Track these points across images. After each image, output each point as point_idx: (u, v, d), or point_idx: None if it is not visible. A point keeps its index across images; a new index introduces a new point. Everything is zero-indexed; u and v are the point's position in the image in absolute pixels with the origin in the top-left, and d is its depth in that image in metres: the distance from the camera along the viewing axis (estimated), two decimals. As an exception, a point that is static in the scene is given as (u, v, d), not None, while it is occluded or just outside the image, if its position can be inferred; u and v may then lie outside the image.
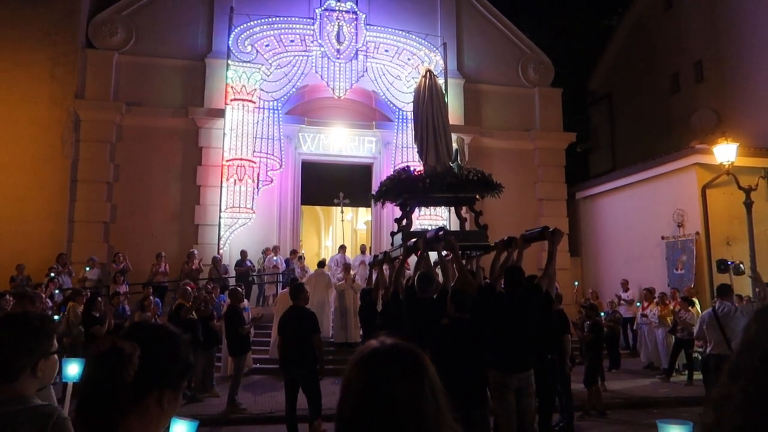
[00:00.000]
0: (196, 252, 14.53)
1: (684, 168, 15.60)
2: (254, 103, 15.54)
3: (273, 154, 15.67)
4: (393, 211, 13.71)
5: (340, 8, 16.29)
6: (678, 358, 12.32)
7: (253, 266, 15.07)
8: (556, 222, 15.03)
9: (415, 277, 6.07)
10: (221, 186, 15.24)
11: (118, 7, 16.04)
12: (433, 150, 8.25)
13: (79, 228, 14.80)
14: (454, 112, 17.21)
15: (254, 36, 15.80)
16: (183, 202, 15.58)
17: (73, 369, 4.44)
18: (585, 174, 22.97)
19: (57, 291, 11.73)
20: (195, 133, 15.87)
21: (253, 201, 15.33)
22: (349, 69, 16.17)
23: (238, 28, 15.70)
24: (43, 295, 10.13)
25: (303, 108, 17.26)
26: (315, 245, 23.36)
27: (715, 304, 7.89)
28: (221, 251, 15.03)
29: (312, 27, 16.11)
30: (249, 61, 15.63)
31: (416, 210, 12.19)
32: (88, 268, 13.62)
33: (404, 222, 8.29)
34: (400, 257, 7.44)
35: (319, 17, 16.13)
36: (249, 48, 15.73)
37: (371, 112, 17.61)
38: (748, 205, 12.87)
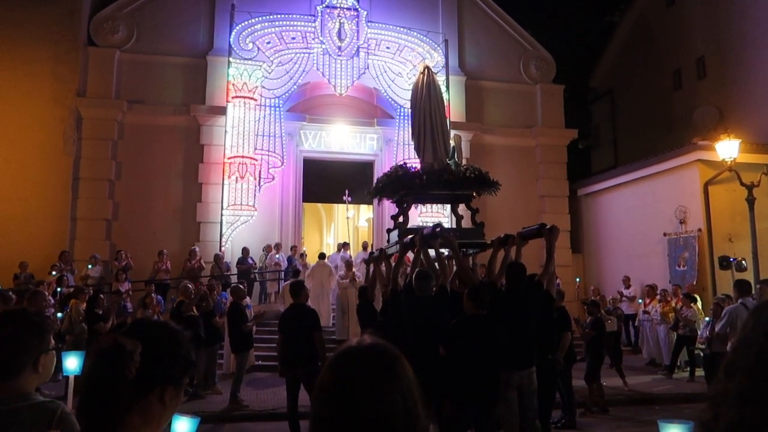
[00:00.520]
0: (197, 249, 14.55)
1: (686, 165, 15.57)
2: (256, 100, 15.54)
3: (274, 152, 15.68)
4: (394, 208, 13.72)
5: (342, 5, 16.27)
6: (680, 354, 12.33)
7: (255, 264, 15.09)
8: (557, 219, 15.04)
9: (413, 275, 6.05)
10: (223, 183, 15.24)
11: (120, 4, 16.04)
12: (430, 147, 8.22)
13: (81, 226, 14.83)
14: (456, 109, 17.22)
15: (256, 33, 15.79)
16: (185, 199, 15.61)
17: (72, 362, 4.46)
18: (587, 171, 22.96)
19: (60, 289, 11.75)
20: (197, 130, 15.88)
21: (254, 198, 15.35)
22: (351, 66, 16.16)
23: (240, 26, 15.69)
24: (46, 293, 10.15)
25: (304, 105, 17.26)
26: (316, 242, 23.37)
27: (745, 300, 7.79)
28: (223, 249, 15.05)
29: (313, 24, 16.09)
30: (250, 59, 15.62)
31: (417, 207, 12.18)
32: (90, 266, 13.64)
33: (401, 219, 8.27)
34: (397, 254, 7.42)
35: (320, 14, 16.12)
36: (250, 45, 15.73)
37: (373, 109, 17.61)
38: (751, 201, 12.84)
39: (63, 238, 14.52)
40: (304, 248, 16.92)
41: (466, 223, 8.89)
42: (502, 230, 7.08)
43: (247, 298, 11.55)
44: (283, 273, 14.79)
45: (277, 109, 15.87)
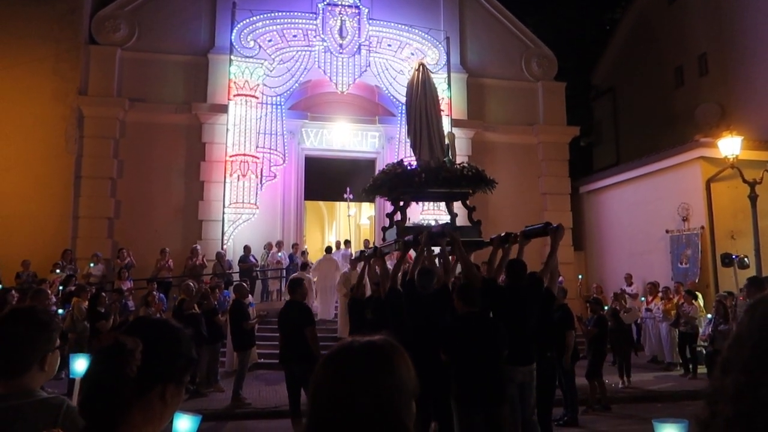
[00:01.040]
0: (199, 247, 14.57)
1: (688, 162, 15.55)
2: (257, 98, 15.53)
3: (276, 150, 15.68)
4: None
5: (343, 3, 16.25)
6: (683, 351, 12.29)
7: (257, 261, 15.10)
8: (559, 216, 15.02)
9: (416, 273, 6.03)
10: (224, 181, 15.24)
11: (121, 2, 16.03)
12: (426, 145, 8.21)
13: (83, 224, 14.84)
14: (458, 107, 17.21)
15: (257, 31, 15.78)
16: (186, 197, 15.61)
17: (80, 365, 4.46)
18: (589, 168, 22.92)
19: (61, 287, 11.76)
20: (198, 128, 15.88)
21: (256, 196, 15.35)
22: (352, 64, 16.14)
23: (241, 24, 15.68)
24: (49, 291, 10.17)
25: (306, 103, 17.26)
26: (318, 240, 23.38)
27: None
28: (225, 247, 15.05)
29: (315, 22, 16.08)
30: (252, 57, 15.61)
31: (419, 205, 12.12)
32: (92, 264, 13.65)
33: (397, 217, 8.24)
34: (393, 253, 7.39)
35: (321, 12, 16.10)
36: (252, 43, 15.72)
37: (374, 107, 17.59)
38: (753, 198, 12.81)
39: (65, 236, 14.53)
40: (306, 246, 16.92)
41: (462, 221, 8.87)
42: (503, 228, 7.07)
43: (250, 296, 11.59)
44: (285, 270, 14.80)
45: (279, 107, 15.87)
